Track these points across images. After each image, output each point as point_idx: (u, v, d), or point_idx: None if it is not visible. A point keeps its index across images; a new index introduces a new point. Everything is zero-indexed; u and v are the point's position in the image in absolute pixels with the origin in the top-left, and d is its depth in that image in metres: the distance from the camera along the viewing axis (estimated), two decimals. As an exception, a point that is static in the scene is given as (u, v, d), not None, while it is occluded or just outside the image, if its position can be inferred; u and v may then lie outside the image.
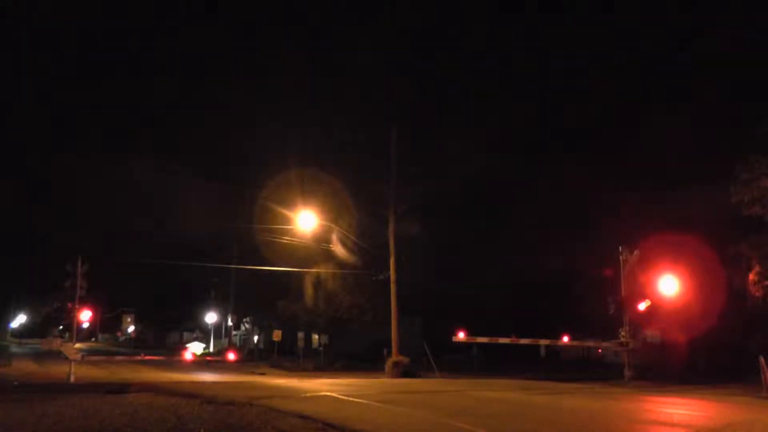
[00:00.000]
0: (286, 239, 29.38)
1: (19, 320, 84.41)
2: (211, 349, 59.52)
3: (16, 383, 17.25)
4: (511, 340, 26.03)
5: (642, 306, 21.92)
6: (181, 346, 60.80)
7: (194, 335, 68.48)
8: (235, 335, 57.84)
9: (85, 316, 21.26)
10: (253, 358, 44.55)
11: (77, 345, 22.69)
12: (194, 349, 57.17)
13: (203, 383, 18.49)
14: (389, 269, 26.96)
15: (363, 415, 9.59)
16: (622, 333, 22.26)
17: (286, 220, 27.83)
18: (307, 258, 31.92)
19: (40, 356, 39.01)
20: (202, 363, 38.12)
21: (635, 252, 22.42)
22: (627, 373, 21.95)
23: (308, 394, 12.96)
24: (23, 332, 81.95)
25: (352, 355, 36.82)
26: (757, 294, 20.65)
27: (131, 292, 78.92)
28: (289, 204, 27.73)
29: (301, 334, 36.14)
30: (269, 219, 30.04)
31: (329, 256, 31.43)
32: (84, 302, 20.91)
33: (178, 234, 44.62)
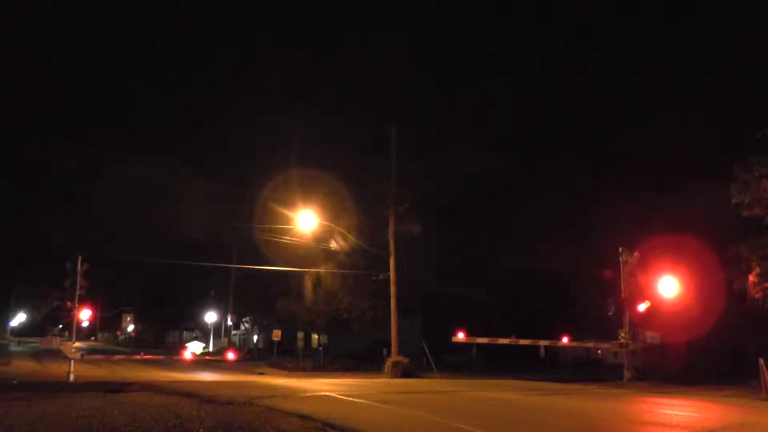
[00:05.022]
0: (286, 239, 29.37)
1: (19, 319, 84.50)
2: (211, 349, 59.51)
3: (15, 382, 17.24)
4: (511, 341, 26.03)
5: (642, 307, 21.92)
6: (181, 345, 60.69)
7: (194, 335, 68.50)
8: (235, 335, 57.83)
9: (85, 315, 21.22)
10: (252, 358, 44.54)
11: (77, 344, 22.65)
12: (194, 348, 57.16)
13: (203, 383, 18.48)
14: (389, 269, 26.96)
15: (362, 415, 9.58)
16: (622, 334, 22.25)
17: (286, 220, 27.83)
18: (307, 258, 31.90)
19: (39, 355, 38.99)
20: (201, 362, 38.12)
21: (635, 253, 22.41)
22: (626, 374, 21.95)
23: (307, 394, 12.96)
24: (23, 331, 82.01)
25: (351, 355, 36.80)
26: (757, 295, 20.62)
27: (131, 291, 79.08)
28: (289, 204, 27.72)
29: (300, 334, 36.12)
30: (269, 219, 30.04)
31: (329, 256, 31.41)
32: (83, 301, 20.88)
33: (178, 234, 44.64)
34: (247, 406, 9.95)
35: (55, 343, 24.83)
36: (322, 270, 33.27)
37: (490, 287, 42.74)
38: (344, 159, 31.18)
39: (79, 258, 20.27)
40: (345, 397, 12.29)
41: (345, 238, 28.71)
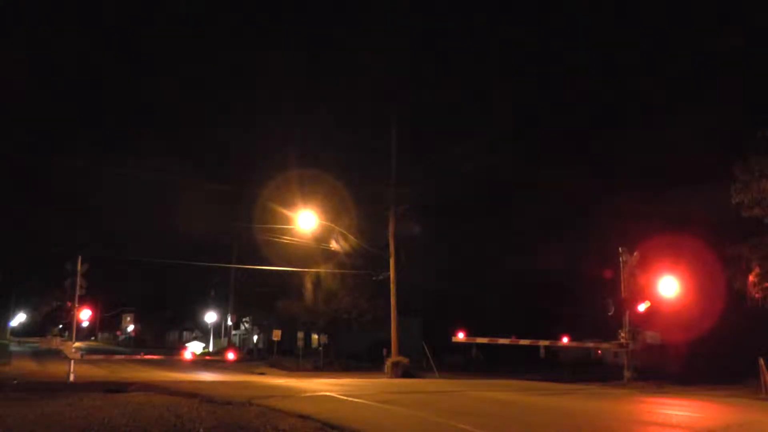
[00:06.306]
0: (286, 239, 29.37)
1: (19, 319, 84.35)
2: (211, 349, 59.52)
3: (15, 382, 17.24)
4: (511, 341, 26.02)
5: (642, 307, 21.91)
6: (181, 345, 60.46)
7: (194, 335, 68.49)
8: (235, 335, 57.83)
9: (85, 315, 21.17)
10: (252, 358, 44.56)
11: (77, 344, 22.66)
12: (194, 348, 57.11)
13: (202, 383, 18.49)
14: (389, 269, 26.96)
15: (362, 415, 9.59)
16: (622, 334, 22.24)
17: (286, 220, 27.82)
18: (307, 258, 31.90)
19: (39, 355, 39.03)
20: (201, 362, 38.12)
21: (635, 253, 22.40)
22: (626, 374, 21.94)
23: (307, 394, 12.96)
24: (23, 331, 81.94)
25: (351, 355, 36.83)
26: (756, 295, 20.62)
27: (131, 291, 78.96)
28: (289, 204, 27.72)
29: (300, 334, 36.19)
30: (269, 219, 30.04)
31: (329, 256, 31.42)
32: (83, 301, 20.87)
33: (178, 234, 44.60)
34: (247, 406, 9.96)
35: (55, 343, 24.87)
36: (322, 270, 33.28)
37: (490, 287, 42.76)
38: (344, 159, 31.15)
39: (79, 258, 20.27)
40: (345, 397, 12.29)
41: (345, 238, 28.71)
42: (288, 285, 35.90)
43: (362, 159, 30.16)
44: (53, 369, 24.58)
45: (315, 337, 43.60)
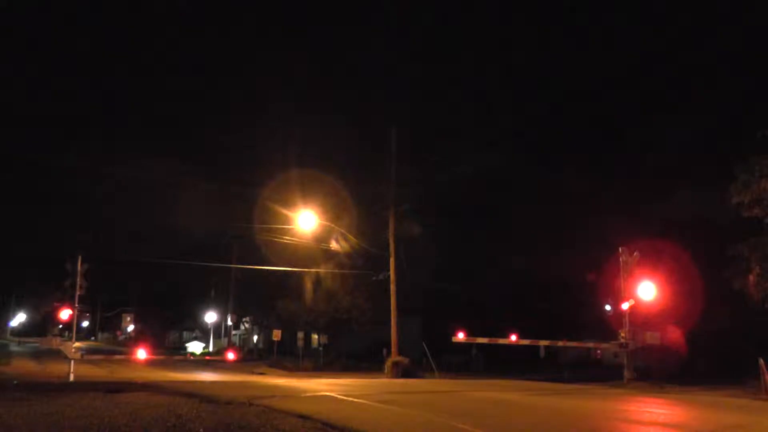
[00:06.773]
0: (286, 239, 29.39)
1: (19, 319, 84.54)
2: (211, 349, 59.53)
3: (15, 382, 17.23)
4: (511, 341, 26.03)
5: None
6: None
7: (194, 335, 68.52)
8: (235, 335, 57.85)
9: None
10: (252, 358, 44.55)
11: (76, 344, 22.69)
12: (194, 348, 57.14)
13: (203, 383, 18.49)
14: (389, 269, 26.97)
15: (362, 415, 9.58)
16: (622, 334, 22.25)
17: (286, 220, 27.85)
18: (307, 258, 31.93)
19: (39, 355, 39.03)
20: (201, 362, 38.14)
21: (635, 253, 22.42)
22: (626, 374, 21.95)
23: (308, 394, 12.96)
24: (23, 331, 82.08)
25: (352, 355, 36.81)
26: (756, 296, 20.62)
27: (131, 291, 79.05)
28: (289, 204, 27.75)
29: (300, 334, 36.15)
30: (269, 219, 30.07)
31: (329, 256, 31.44)
32: (83, 301, 20.90)
33: (179, 234, 44.69)
34: (247, 406, 9.95)
35: (55, 343, 24.90)
36: (322, 270, 33.31)
37: (490, 287, 42.74)
38: (344, 159, 31.22)
39: (79, 258, 20.29)
40: (345, 397, 12.29)
41: (345, 238, 28.72)
42: (288, 285, 35.93)
43: (362, 159, 30.20)
44: (53, 369, 24.58)
45: (315, 337, 43.59)
